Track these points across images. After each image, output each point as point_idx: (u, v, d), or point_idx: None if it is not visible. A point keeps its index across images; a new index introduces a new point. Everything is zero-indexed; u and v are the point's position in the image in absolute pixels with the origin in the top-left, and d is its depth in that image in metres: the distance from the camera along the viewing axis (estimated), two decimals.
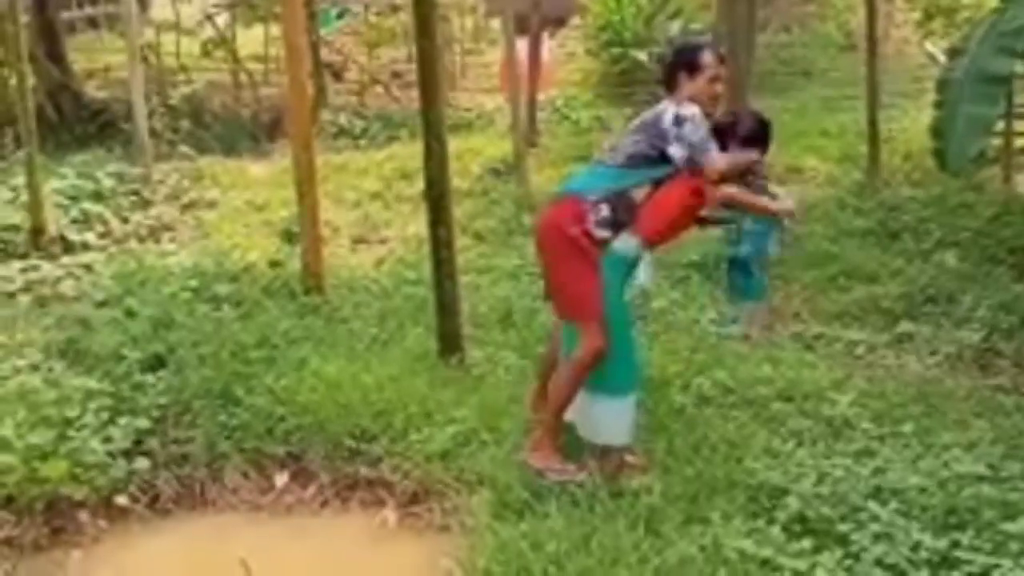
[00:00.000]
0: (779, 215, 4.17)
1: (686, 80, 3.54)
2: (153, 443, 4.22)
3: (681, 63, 3.57)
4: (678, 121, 3.41)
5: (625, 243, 3.50)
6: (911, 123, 9.33)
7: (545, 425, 3.56)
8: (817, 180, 8.63)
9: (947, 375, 4.70)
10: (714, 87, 3.56)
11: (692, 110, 3.44)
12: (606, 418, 3.55)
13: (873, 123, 8.01)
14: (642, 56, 12.22)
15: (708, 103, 3.54)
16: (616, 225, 3.47)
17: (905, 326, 5.35)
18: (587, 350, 3.43)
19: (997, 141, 7.47)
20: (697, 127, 3.42)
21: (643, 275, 3.73)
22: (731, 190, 3.83)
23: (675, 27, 12.49)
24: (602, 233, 3.46)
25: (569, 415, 3.62)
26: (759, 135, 4.16)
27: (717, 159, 3.48)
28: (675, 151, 3.42)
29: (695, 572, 2.80)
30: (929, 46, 11.37)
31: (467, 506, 3.56)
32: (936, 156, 5.46)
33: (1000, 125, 7.13)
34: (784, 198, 3.91)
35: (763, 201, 4.09)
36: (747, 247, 5.14)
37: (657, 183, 3.52)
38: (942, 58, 8.89)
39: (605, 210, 3.45)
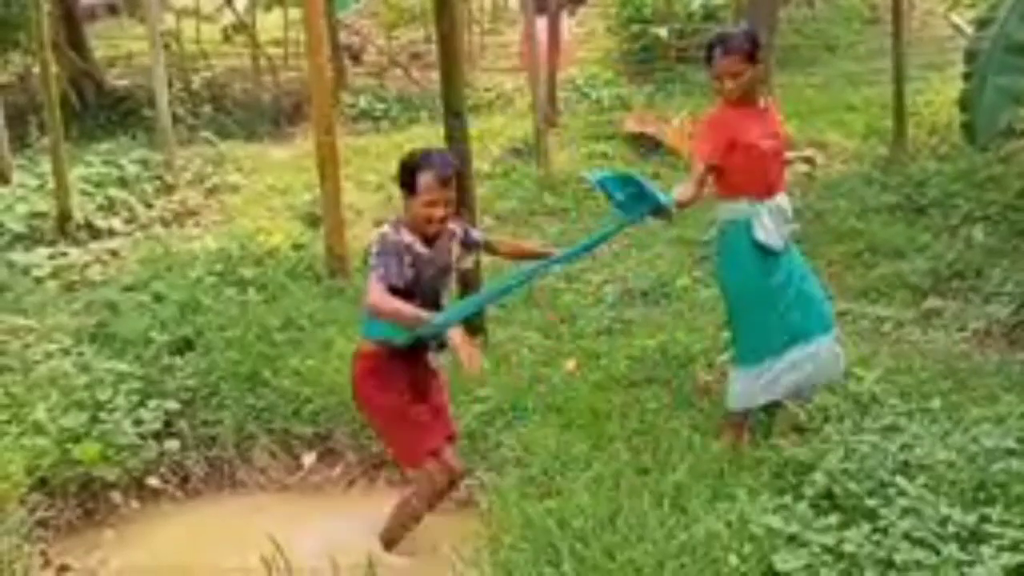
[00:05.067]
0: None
1: (407, 197, 3.23)
2: (183, 425, 4.29)
3: (402, 181, 3.23)
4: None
5: (730, 208, 3.58)
6: (937, 96, 9.16)
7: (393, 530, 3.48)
8: (842, 155, 8.53)
9: (975, 350, 4.65)
10: (431, 211, 3.17)
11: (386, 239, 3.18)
12: (738, 386, 3.64)
13: (899, 97, 7.88)
14: (663, 33, 12.09)
15: (423, 226, 3.21)
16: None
17: (932, 302, 5.30)
18: (421, 491, 3.39)
19: None
20: (383, 255, 3.14)
21: (761, 234, 3.57)
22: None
23: (696, 2, 12.34)
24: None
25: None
26: None
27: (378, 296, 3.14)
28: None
29: (721, 548, 2.80)
30: (955, 17, 11.15)
31: (493, 484, 3.59)
32: (964, 129, 5.34)
33: None
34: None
35: None
36: None
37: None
38: (968, 29, 8.72)
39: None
